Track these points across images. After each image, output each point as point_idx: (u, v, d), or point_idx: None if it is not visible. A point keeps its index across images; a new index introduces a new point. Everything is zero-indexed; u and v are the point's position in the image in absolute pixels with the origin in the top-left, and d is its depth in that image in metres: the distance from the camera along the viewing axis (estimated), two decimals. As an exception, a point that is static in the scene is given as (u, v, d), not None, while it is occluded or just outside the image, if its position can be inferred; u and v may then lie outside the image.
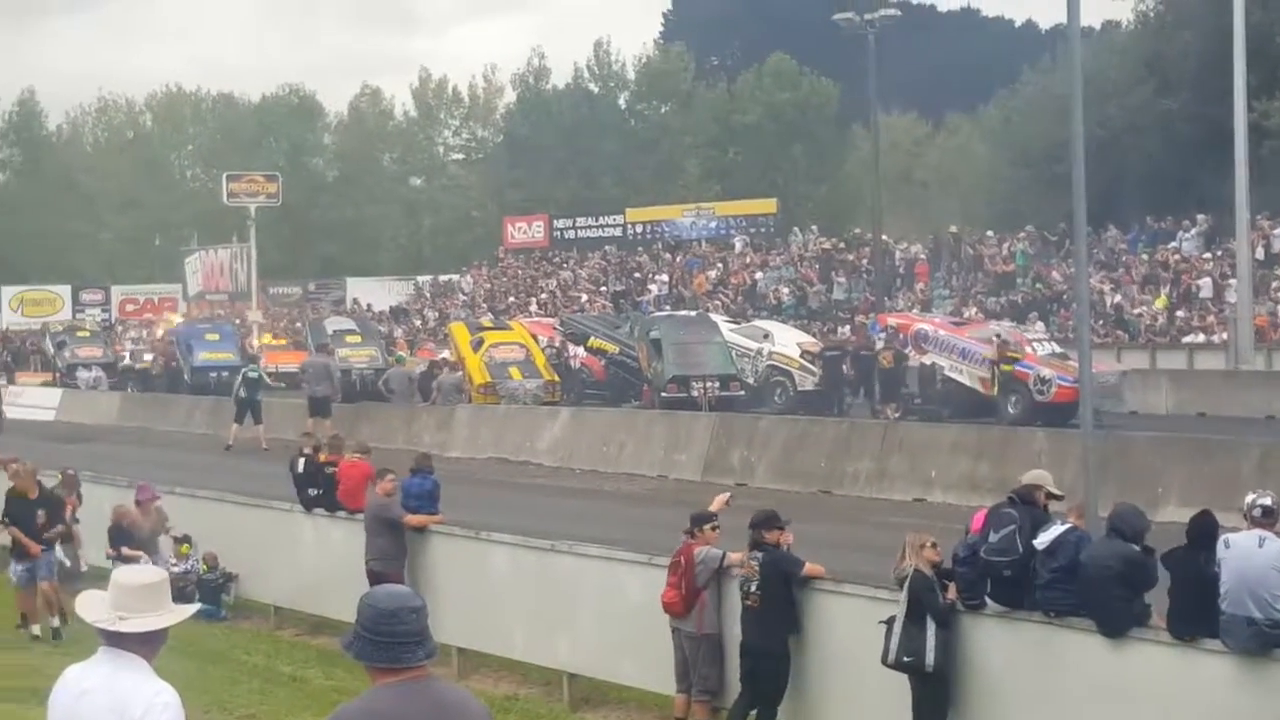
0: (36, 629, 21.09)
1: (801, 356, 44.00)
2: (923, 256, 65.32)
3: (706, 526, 15.77)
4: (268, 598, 22.70)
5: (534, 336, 48.83)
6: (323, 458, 22.09)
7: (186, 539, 23.16)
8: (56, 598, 20.88)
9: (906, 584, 13.48)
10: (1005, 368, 37.17)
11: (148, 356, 63.61)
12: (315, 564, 21.73)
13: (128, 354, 67.89)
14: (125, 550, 21.39)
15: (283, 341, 67.88)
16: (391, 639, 5.96)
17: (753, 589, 14.79)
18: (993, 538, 13.58)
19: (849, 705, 14.55)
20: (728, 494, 16.62)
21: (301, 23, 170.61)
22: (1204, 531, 12.82)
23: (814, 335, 49.48)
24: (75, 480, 24.30)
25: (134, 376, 61.55)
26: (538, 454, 37.98)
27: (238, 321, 76.04)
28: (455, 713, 6.09)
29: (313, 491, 21.87)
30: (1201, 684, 12.21)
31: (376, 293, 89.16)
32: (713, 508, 16.20)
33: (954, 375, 39.80)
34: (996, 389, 37.32)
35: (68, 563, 23.36)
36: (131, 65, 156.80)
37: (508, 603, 18.42)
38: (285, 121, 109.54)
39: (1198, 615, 12.23)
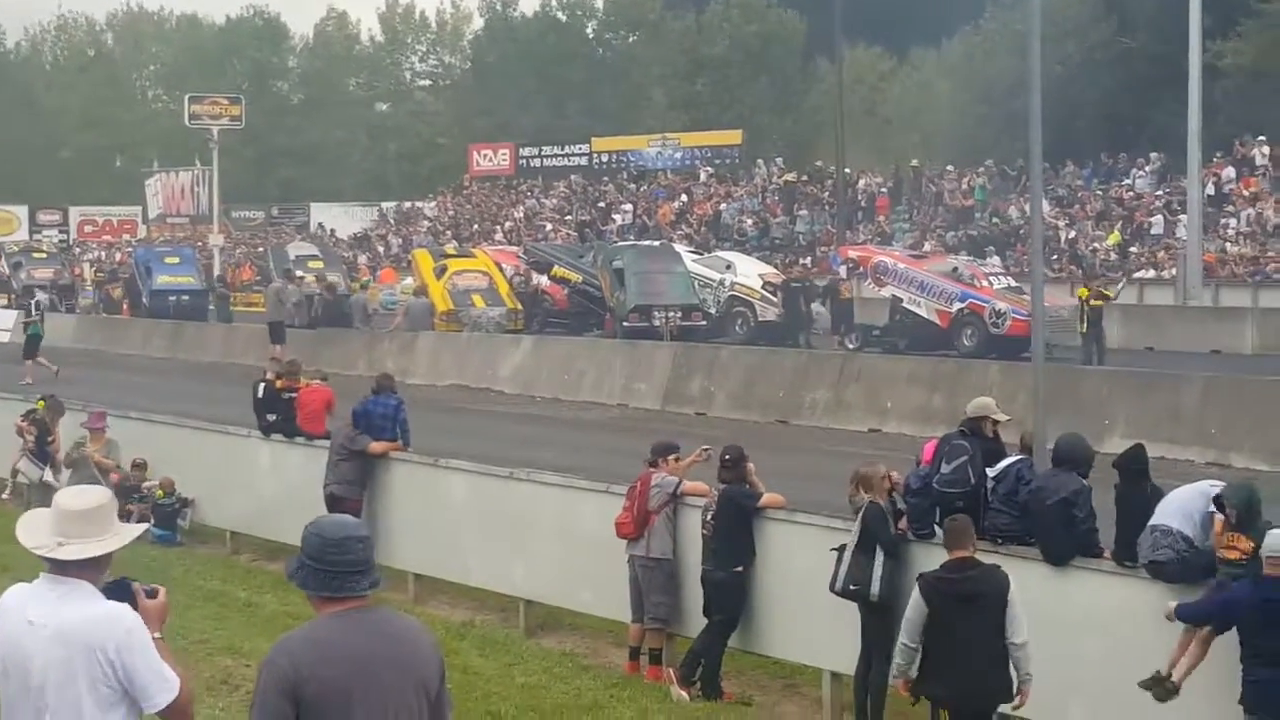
0: None
1: (763, 288, 44.26)
2: (884, 190, 65.62)
3: (671, 457, 15.95)
4: (224, 523, 22.71)
5: (498, 264, 48.89)
6: (280, 384, 22.14)
7: (144, 463, 23.20)
8: None
9: (860, 514, 13.67)
10: (1096, 304, 36.56)
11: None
12: (272, 489, 21.76)
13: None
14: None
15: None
16: (337, 568, 6.04)
17: (709, 518, 15.03)
18: (945, 469, 13.76)
19: (801, 632, 14.75)
20: (707, 449, 16.68)
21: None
22: (1134, 465, 13.08)
23: (776, 267, 49.70)
24: (59, 406, 23.60)
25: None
26: (499, 381, 38.18)
27: (199, 245, 75.81)
28: (398, 642, 6.15)
29: (271, 417, 21.94)
30: (1141, 610, 12.48)
31: (340, 218, 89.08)
32: (691, 458, 16.31)
33: (912, 308, 40.07)
34: (1085, 326, 36.29)
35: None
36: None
37: (465, 529, 18.56)
38: (250, 43, 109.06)
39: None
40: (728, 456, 15.23)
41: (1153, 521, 12.25)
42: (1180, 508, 12.27)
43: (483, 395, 37.50)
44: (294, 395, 21.76)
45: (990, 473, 13.67)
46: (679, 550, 15.55)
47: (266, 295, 44.63)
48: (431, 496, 19.15)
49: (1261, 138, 55.73)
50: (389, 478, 19.76)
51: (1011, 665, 11.69)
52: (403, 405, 20.53)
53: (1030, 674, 11.69)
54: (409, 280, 50.24)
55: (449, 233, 76.80)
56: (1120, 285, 41.87)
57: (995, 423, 14.29)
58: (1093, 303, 36.27)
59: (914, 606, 11.85)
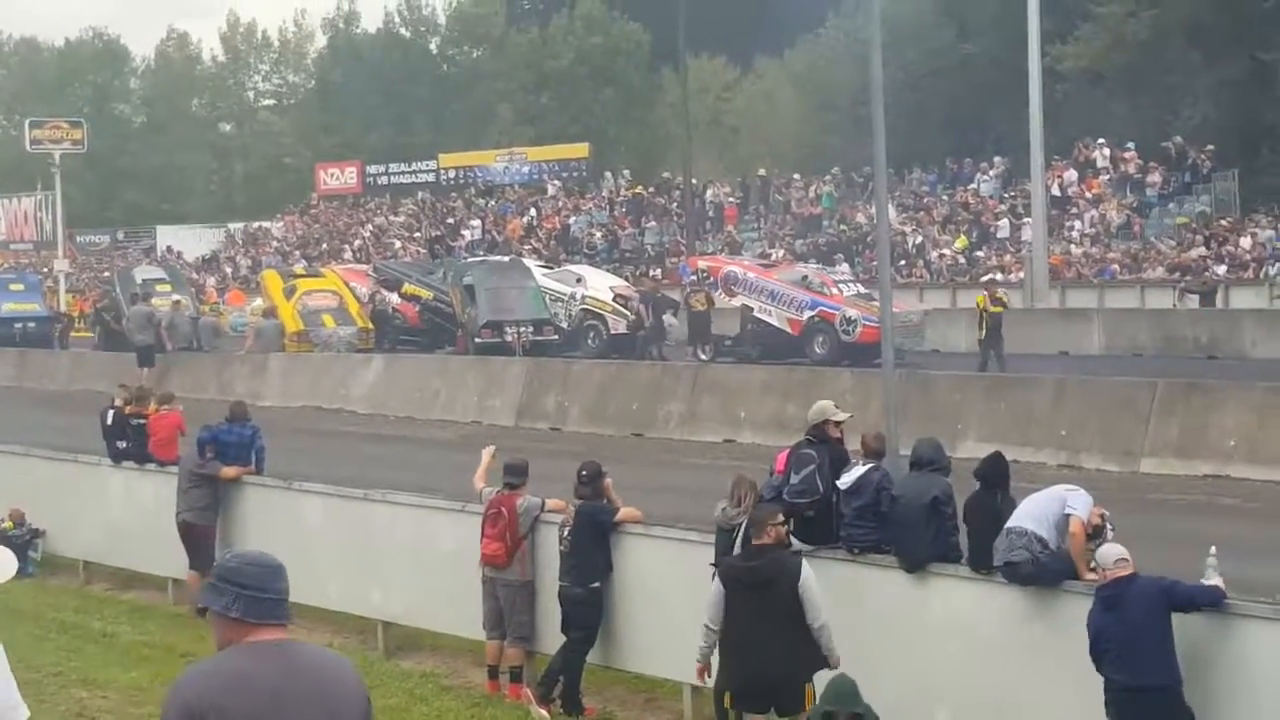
0: None
1: (614, 300, 44.26)
2: (732, 200, 65.94)
3: (526, 478, 15.89)
4: (76, 553, 22.37)
5: (347, 283, 48.58)
6: (129, 410, 21.81)
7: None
8: None
9: (743, 531, 13.53)
10: (995, 309, 36.60)
11: None
12: (125, 518, 21.43)
13: None
14: None
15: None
16: (280, 595, 5.93)
17: (565, 534, 15.00)
18: (794, 479, 13.85)
19: (660, 645, 14.74)
20: (493, 447, 16.78)
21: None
22: (995, 473, 13.19)
23: (626, 279, 49.76)
24: None
25: None
26: (352, 401, 37.94)
27: (45, 271, 74.66)
28: (318, 677, 5.94)
29: (121, 444, 21.64)
30: (996, 616, 12.64)
31: (187, 240, 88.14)
32: (485, 461, 16.32)
33: (763, 317, 40.25)
34: (984, 333, 36.08)
35: None
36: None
37: (321, 553, 18.34)
38: (90, 66, 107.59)
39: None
40: (585, 472, 15.21)
41: (1008, 525, 12.39)
42: (1033, 511, 12.42)
43: (335, 416, 37.22)
44: (143, 421, 21.46)
45: (842, 483, 13.69)
46: (537, 567, 15.51)
47: (131, 318, 43.87)
48: (286, 520, 18.91)
49: (1101, 140, 56.66)
50: (242, 502, 19.56)
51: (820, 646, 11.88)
52: (259, 432, 20.39)
53: (834, 651, 11.86)
54: (258, 302, 49.76)
55: (297, 253, 76.27)
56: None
57: (839, 424, 14.38)
58: (992, 309, 36.41)
59: (713, 590, 12.15)
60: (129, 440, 21.48)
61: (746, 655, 11.90)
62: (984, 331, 35.93)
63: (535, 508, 15.50)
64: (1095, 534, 12.41)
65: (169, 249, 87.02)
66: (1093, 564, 12.15)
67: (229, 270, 78.64)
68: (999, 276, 48.65)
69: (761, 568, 12.03)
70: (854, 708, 10.48)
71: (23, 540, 22.34)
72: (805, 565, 12.10)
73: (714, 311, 41.72)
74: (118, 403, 22.31)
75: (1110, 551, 11.24)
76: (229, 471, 19.46)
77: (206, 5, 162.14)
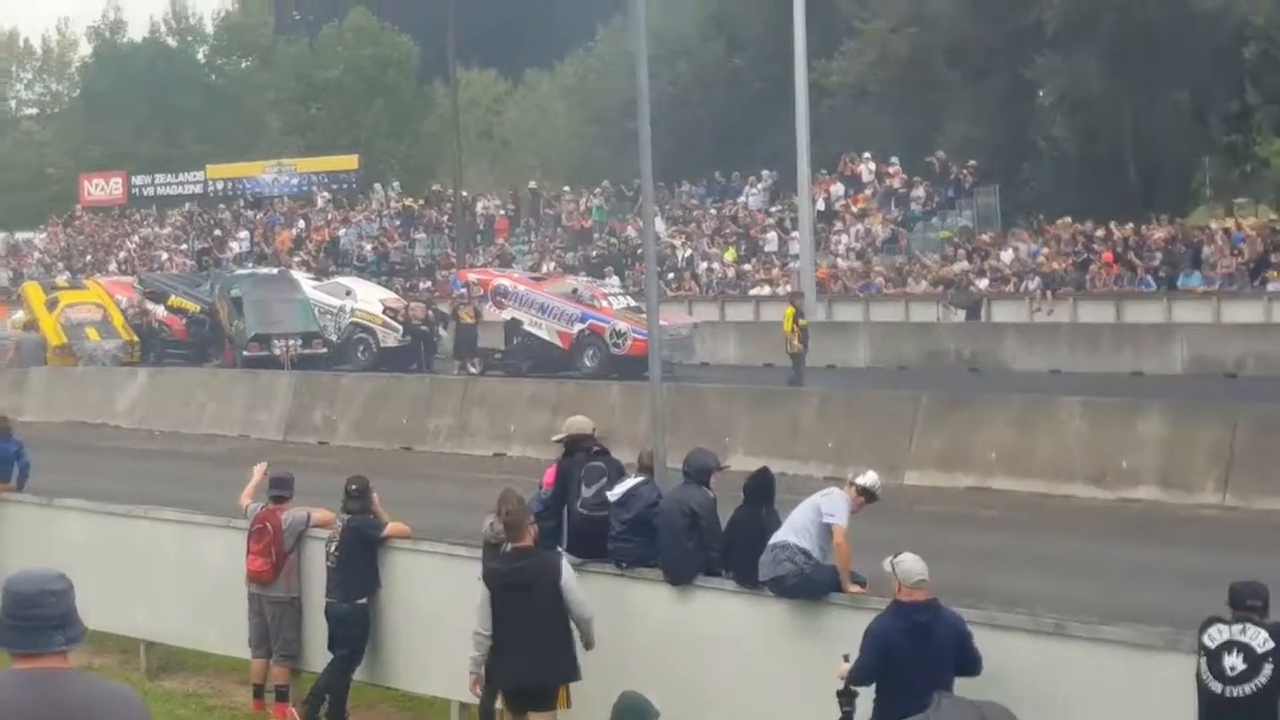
0: None
1: (384, 313, 44.04)
2: (502, 212, 65.93)
3: (292, 492, 15.74)
4: None
5: (112, 296, 47.80)
6: None
7: None
8: None
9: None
10: (804, 323, 36.59)
11: None
12: None
13: None
14: None
15: None
16: (31, 623, 5.67)
17: (332, 549, 14.87)
18: (586, 492, 13.84)
19: (428, 663, 14.68)
20: (264, 464, 16.65)
21: None
22: (761, 488, 13.32)
23: (396, 292, 49.55)
24: None
25: None
26: (116, 416, 37.35)
27: None
28: (77, 710, 5.62)
29: None
30: (762, 630, 12.75)
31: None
32: (256, 478, 16.19)
33: (533, 330, 40.33)
34: (798, 344, 35.89)
35: None
36: None
37: (81, 571, 17.41)
38: None
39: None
40: (354, 486, 15.08)
41: (772, 539, 12.48)
42: (794, 523, 12.54)
43: (99, 431, 36.58)
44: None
45: (612, 495, 13.70)
46: (304, 583, 15.36)
47: None
48: (45, 537, 18.42)
49: (867, 154, 57.48)
50: (-2, 521, 19.08)
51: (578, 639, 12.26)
52: (24, 448, 19.86)
53: (593, 641, 12.32)
54: (19, 314, 48.74)
55: (60, 264, 74.64)
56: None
57: (591, 437, 14.51)
58: (802, 322, 36.47)
59: (479, 596, 12.34)
60: None
61: (515, 656, 12.09)
62: (796, 345, 35.95)
63: (301, 522, 15.37)
64: (870, 498, 12.79)
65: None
66: (855, 575, 12.38)
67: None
68: (766, 290, 49.21)
69: (524, 569, 12.21)
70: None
71: None
72: (565, 563, 12.40)
73: (481, 325, 41.71)
74: None
75: (911, 570, 10.93)
76: (-24, 491, 18.96)
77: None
